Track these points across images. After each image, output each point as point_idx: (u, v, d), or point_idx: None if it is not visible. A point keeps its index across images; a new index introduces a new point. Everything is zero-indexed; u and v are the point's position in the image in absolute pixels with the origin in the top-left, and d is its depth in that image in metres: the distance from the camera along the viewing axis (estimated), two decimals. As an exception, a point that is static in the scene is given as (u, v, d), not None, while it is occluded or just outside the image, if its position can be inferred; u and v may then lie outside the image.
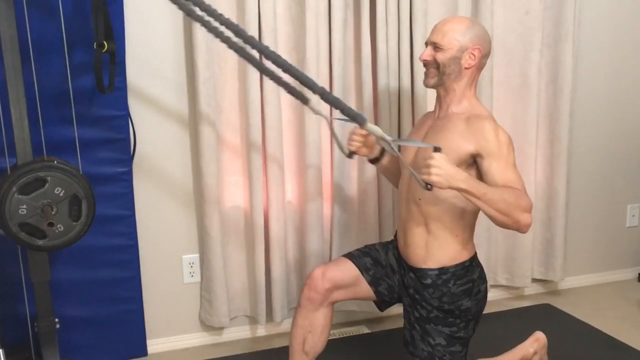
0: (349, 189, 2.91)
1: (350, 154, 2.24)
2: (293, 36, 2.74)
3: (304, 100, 2.00)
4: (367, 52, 2.76)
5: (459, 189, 1.84)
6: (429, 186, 1.85)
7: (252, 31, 2.58)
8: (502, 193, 1.92)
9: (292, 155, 2.85)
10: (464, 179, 1.84)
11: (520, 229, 1.92)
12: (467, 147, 2.00)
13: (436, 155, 1.83)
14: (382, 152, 2.27)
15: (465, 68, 2.07)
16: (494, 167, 1.99)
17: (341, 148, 2.24)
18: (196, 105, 2.63)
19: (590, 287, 3.52)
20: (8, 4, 1.94)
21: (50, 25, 2.36)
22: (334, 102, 1.89)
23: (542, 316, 3.14)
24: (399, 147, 2.03)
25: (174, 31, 2.64)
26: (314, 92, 1.87)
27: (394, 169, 2.31)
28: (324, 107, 2.16)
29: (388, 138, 1.87)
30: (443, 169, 1.81)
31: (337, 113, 1.98)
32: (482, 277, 2.19)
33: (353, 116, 1.87)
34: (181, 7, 1.77)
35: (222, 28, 1.78)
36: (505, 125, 3.03)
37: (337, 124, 2.64)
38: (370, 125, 1.88)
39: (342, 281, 2.20)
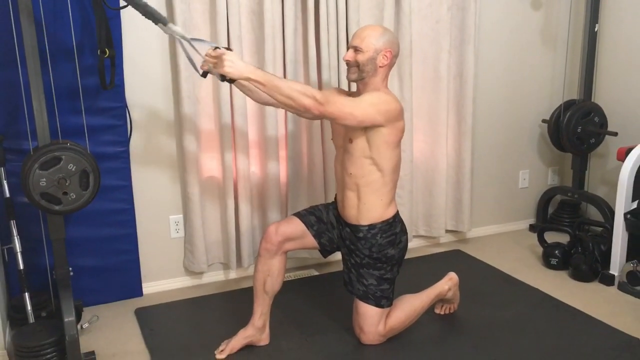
0: (300, 161, 2.98)
1: (204, 74, 2.07)
2: (255, 42, 2.80)
3: (155, 21, 1.91)
4: (313, 54, 2.84)
5: (248, 79, 1.87)
6: (223, 77, 1.87)
7: (222, 38, 2.65)
8: (290, 82, 1.97)
9: (255, 136, 2.90)
10: (252, 70, 1.88)
11: (309, 110, 1.94)
12: None
13: (228, 52, 1.86)
14: None
15: (380, 66, 2.14)
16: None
17: (196, 68, 2.06)
18: (179, 97, 2.70)
19: (492, 235, 3.67)
20: (29, 20, 2.04)
21: (63, 36, 2.44)
22: (142, 7, 1.87)
23: (454, 259, 3.28)
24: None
25: (161, 40, 2.70)
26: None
27: (251, 87, 2.16)
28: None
29: (187, 37, 1.88)
30: (234, 62, 1.85)
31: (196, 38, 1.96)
32: (403, 230, 2.31)
33: (158, 18, 1.87)
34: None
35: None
36: (421, 110, 3.19)
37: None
38: (171, 25, 1.88)
39: (291, 235, 2.27)
